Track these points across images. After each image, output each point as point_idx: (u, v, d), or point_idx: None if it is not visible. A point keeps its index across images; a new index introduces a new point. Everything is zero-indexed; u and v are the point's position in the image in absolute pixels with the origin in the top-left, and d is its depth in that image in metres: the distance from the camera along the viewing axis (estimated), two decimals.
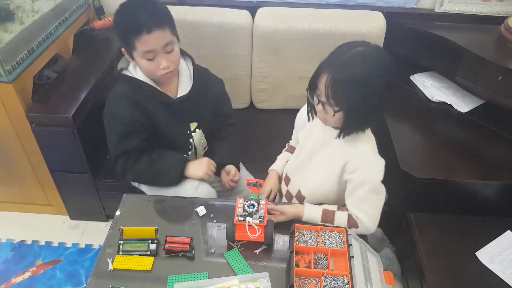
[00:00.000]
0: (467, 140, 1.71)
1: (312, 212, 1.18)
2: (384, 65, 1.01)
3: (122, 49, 1.30)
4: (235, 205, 1.13)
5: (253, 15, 1.87)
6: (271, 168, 1.47)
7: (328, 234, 1.10)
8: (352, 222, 1.16)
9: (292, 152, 1.42)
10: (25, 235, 1.92)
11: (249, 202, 1.14)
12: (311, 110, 1.17)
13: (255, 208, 1.13)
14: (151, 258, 1.09)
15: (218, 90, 1.53)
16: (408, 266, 1.61)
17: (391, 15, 1.90)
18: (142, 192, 1.50)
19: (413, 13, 1.95)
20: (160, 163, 1.37)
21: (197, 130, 1.48)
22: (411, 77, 2.01)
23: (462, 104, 1.84)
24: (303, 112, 1.30)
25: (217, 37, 1.85)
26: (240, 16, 1.84)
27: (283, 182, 1.39)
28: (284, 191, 1.38)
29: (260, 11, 1.88)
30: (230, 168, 1.47)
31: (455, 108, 1.83)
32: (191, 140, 1.46)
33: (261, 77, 1.98)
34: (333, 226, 1.16)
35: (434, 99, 1.87)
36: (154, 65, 1.26)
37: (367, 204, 1.14)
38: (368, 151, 1.15)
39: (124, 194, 1.28)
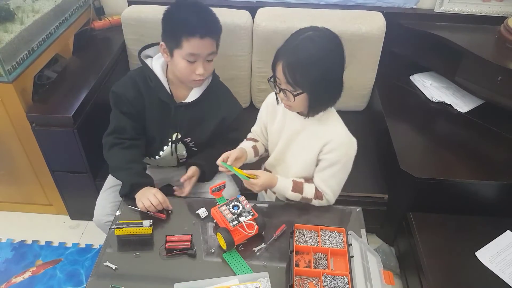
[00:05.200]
0: (466, 140, 1.71)
1: (284, 183, 1.22)
2: (333, 43, 1.07)
3: (161, 43, 1.29)
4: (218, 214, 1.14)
5: (253, 15, 1.87)
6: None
7: (328, 234, 1.11)
8: (318, 194, 1.23)
9: (254, 141, 1.37)
10: (25, 235, 1.92)
11: (231, 205, 1.15)
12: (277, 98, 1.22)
13: (241, 207, 1.14)
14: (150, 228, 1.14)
15: (229, 115, 1.45)
16: (408, 265, 1.61)
17: (391, 15, 1.90)
18: None
19: (413, 13, 1.96)
20: (125, 165, 1.32)
21: (178, 143, 1.42)
22: (411, 77, 2.01)
23: (462, 104, 1.84)
24: (269, 104, 1.32)
25: None
26: (240, 16, 1.84)
27: None
28: None
29: (260, 11, 1.88)
30: (191, 168, 1.38)
31: (455, 108, 1.83)
32: (165, 147, 1.42)
33: (261, 77, 1.97)
34: (302, 196, 1.22)
35: (433, 99, 1.88)
36: (191, 69, 1.27)
37: (335, 180, 1.21)
38: (343, 132, 1.19)
39: None
